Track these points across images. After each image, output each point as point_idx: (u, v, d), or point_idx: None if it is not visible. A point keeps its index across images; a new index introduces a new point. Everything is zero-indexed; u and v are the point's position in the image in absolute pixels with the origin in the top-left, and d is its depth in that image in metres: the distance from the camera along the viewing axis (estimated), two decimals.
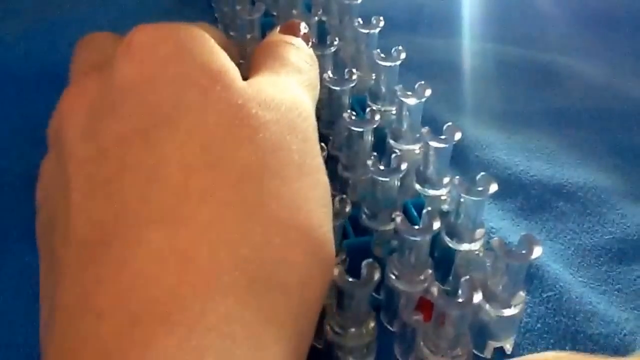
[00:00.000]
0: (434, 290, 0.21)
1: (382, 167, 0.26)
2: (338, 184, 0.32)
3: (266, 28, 0.32)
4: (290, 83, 0.24)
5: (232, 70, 0.22)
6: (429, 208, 0.24)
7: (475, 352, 0.26)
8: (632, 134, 0.38)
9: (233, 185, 0.19)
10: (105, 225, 0.19)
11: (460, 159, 0.36)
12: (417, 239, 0.24)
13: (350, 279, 0.22)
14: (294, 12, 0.37)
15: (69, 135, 0.21)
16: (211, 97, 0.21)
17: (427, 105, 0.37)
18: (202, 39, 0.22)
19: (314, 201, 0.21)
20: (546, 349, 0.27)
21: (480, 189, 0.25)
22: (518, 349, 0.27)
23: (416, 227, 0.24)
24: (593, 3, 0.47)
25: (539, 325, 0.28)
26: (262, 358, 0.18)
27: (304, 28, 0.29)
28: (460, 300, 0.21)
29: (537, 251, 0.22)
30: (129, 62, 0.21)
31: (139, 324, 0.17)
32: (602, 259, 0.31)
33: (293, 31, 0.28)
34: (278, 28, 0.29)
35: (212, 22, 0.44)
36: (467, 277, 0.22)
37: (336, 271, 0.22)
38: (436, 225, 0.24)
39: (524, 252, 0.22)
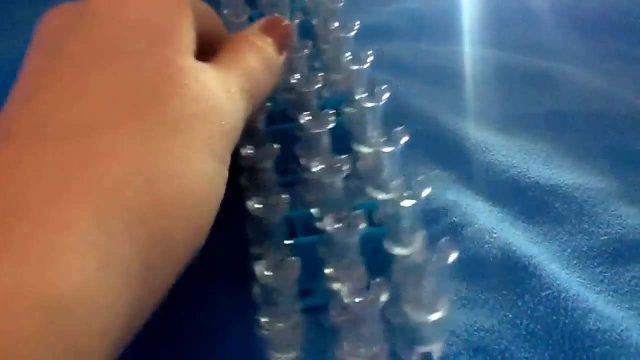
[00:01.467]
0: (343, 290, 0.22)
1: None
2: (303, 185, 0.33)
3: None
4: (230, 82, 0.25)
5: (189, 42, 0.24)
6: (357, 211, 0.25)
7: (402, 358, 0.26)
8: (626, 137, 0.38)
9: (142, 129, 0.21)
10: (11, 127, 0.21)
11: (460, 161, 0.36)
12: (345, 240, 0.24)
13: (266, 273, 0.23)
14: (276, 14, 0.38)
15: (31, 48, 0.24)
16: (157, 51, 0.23)
17: (430, 109, 0.39)
18: (179, 7, 0.24)
19: (203, 176, 0.22)
20: (544, 347, 0.27)
21: (406, 194, 0.25)
22: (517, 348, 0.27)
23: (340, 227, 0.24)
24: (589, 12, 0.47)
25: (537, 323, 0.28)
26: (105, 281, 0.18)
27: (284, 24, 0.29)
28: (360, 300, 0.21)
29: (453, 256, 0.22)
30: None
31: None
32: (597, 260, 0.31)
33: (272, 28, 0.29)
34: (257, 23, 0.29)
35: None
36: (378, 279, 0.22)
37: (259, 269, 0.23)
38: (362, 226, 0.24)
39: (436, 258, 0.23)
